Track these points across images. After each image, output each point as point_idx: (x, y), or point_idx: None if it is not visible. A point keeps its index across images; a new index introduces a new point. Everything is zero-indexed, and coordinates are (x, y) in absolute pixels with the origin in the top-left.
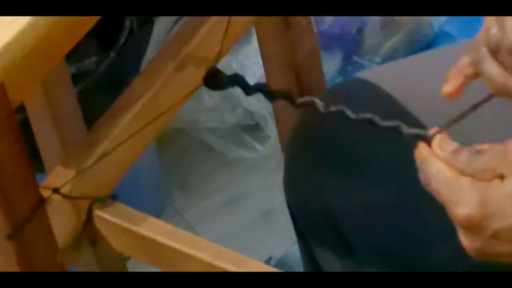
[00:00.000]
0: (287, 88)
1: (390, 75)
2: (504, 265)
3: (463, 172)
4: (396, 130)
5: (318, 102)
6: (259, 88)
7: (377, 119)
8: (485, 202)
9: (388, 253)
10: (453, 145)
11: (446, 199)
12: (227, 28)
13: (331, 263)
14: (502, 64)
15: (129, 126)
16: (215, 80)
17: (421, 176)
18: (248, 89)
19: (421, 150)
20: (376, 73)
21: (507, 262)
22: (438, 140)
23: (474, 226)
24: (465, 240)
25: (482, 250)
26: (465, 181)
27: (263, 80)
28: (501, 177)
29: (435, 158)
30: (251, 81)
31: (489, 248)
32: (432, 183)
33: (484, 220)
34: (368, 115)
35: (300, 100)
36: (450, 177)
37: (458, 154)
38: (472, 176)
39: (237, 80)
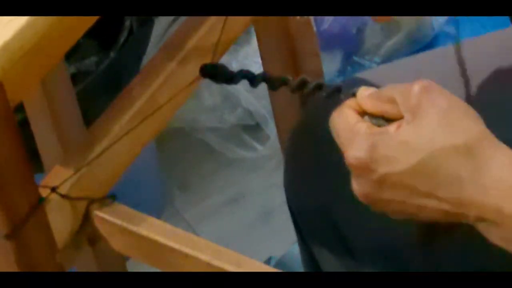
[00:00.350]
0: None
1: (390, 75)
2: (504, 265)
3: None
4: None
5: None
6: (264, 77)
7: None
8: (375, 147)
9: (388, 253)
10: (370, 90)
11: (343, 145)
12: (223, 27)
13: (331, 263)
14: None
15: (127, 125)
16: (214, 70)
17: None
18: (253, 81)
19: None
20: (376, 73)
21: (396, 211)
22: (360, 90)
23: (362, 169)
24: (355, 185)
25: (370, 195)
26: (362, 126)
27: None
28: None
29: (345, 107)
30: None
31: (377, 193)
32: (334, 132)
33: (372, 163)
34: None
35: (310, 85)
36: (349, 123)
37: (369, 96)
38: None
39: (243, 73)
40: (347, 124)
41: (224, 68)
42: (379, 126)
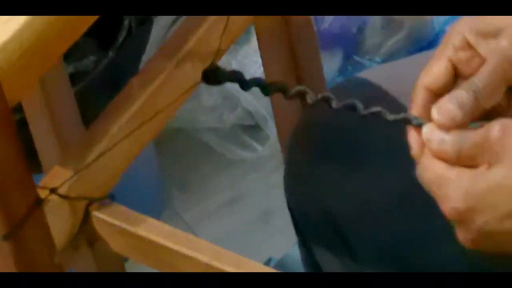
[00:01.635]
0: (284, 82)
1: (391, 75)
2: (504, 265)
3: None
4: (405, 121)
5: (332, 97)
6: (257, 82)
7: (384, 112)
8: (469, 195)
9: (390, 255)
10: (440, 135)
11: (435, 194)
12: (225, 27)
13: (332, 264)
14: None
15: (127, 126)
16: (214, 75)
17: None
18: (246, 84)
19: (413, 144)
20: (377, 73)
21: (506, 252)
22: (427, 131)
23: (462, 219)
24: (459, 233)
25: (476, 241)
26: (451, 174)
27: None
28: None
29: (426, 159)
30: None
31: (482, 240)
32: (424, 185)
33: (470, 213)
34: (374, 109)
35: (314, 98)
36: (438, 173)
37: (444, 145)
38: (461, 165)
39: (236, 76)
40: (436, 176)
41: (226, 73)
42: None
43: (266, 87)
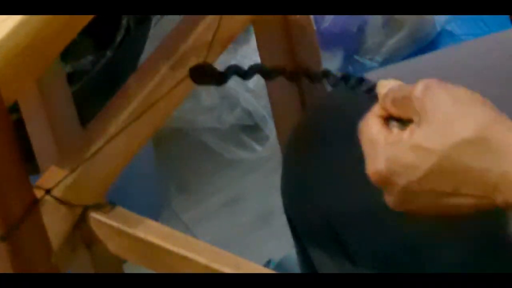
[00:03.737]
0: (284, 66)
1: (395, 77)
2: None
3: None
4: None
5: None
6: (257, 69)
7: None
8: (392, 159)
9: (387, 259)
10: (387, 88)
11: (365, 157)
12: (224, 27)
13: (329, 269)
14: None
15: (124, 125)
16: (201, 72)
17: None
18: (246, 74)
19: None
20: (379, 75)
21: (430, 214)
22: (379, 85)
23: (383, 182)
24: (386, 196)
25: (401, 204)
26: (380, 137)
27: (262, 79)
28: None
29: (370, 115)
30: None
31: (406, 202)
32: (361, 143)
33: (392, 176)
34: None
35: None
36: (371, 133)
37: (386, 97)
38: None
39: (233, 70)
40: (369, 135)
41: (212, 69)
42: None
43: (268, 72)
